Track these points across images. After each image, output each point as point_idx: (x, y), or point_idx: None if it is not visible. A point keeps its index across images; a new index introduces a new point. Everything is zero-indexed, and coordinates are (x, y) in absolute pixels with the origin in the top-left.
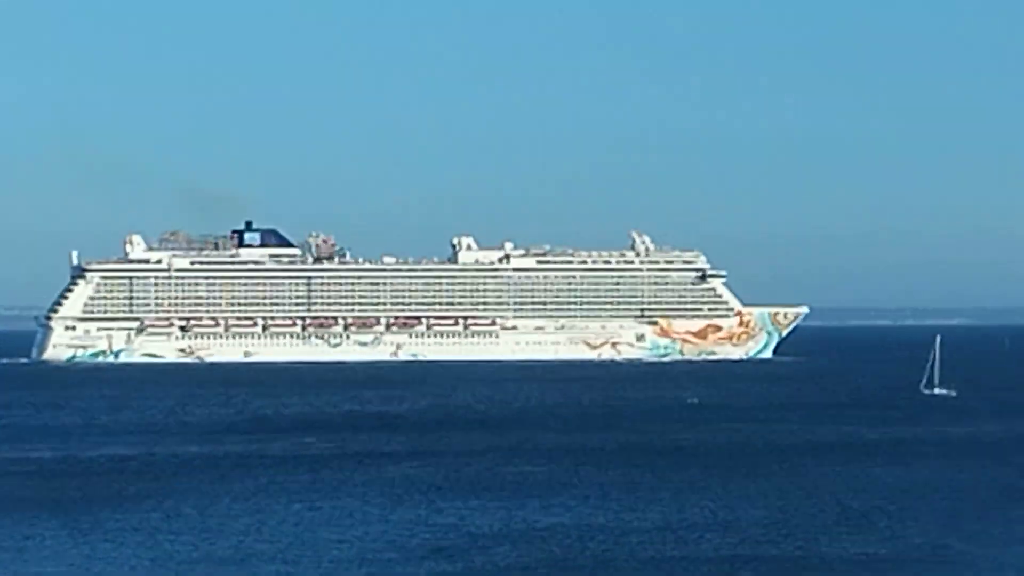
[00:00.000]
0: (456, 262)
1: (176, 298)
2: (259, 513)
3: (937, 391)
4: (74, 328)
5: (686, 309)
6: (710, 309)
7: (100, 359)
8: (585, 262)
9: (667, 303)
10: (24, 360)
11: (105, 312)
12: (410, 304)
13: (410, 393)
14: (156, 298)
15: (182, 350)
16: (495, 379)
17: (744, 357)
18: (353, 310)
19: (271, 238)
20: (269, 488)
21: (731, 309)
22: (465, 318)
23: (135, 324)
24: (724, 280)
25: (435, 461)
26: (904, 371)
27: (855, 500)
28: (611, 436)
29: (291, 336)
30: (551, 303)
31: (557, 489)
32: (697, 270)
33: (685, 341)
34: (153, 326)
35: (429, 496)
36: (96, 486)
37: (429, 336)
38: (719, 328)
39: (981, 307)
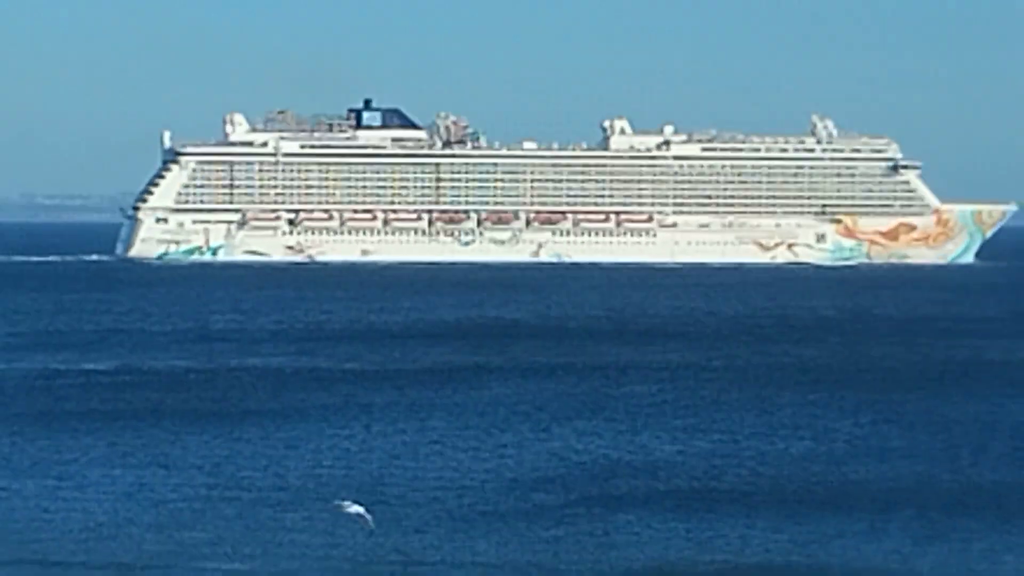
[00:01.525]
0: (608, 149)
1: (284, 187)
2: (338, 436)
3: None
4: (166, 220)
5: (875, 205)
6: (903, 205)
7: (195, 256)
8: (758, 150)
9: (852, 198)
10: (107, 257)
11: (202, 202)
12: (554, 197)
13: (545, 299)
14: (261, 187)
15: (290, 247)
16: (651, 284)
17: (942, 262)
18: (488, 203)
19: (393, 119)
20: (347, 407)
21: (927, 206)
22: (618, 214)
23: (236, 216)
24: (919, 172)
25: (546, 379)
26: None
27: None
28: (753, 352)
29: (416, 232)
30: (717, 197)
31: (678, 412)
32: (888, 160)
33: (873, 243)
34: (257, 219)
35: (535, 419)
36: (169, 400)
37: (576, 234)
38: (913, 228)
39: None
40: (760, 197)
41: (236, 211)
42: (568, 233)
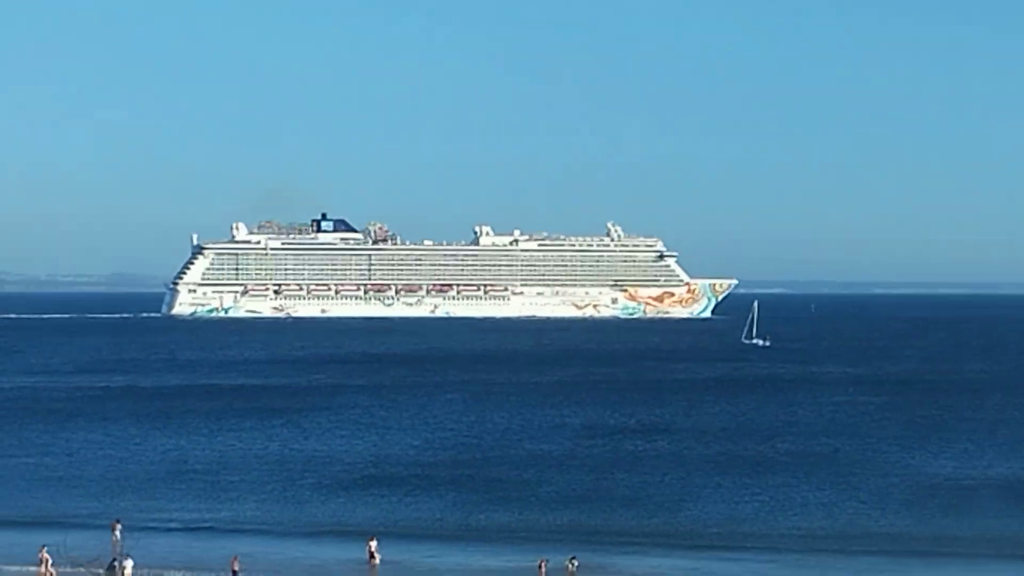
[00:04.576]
0: (478, 244)
1: (271, 269)
2: (291, 427)
3: (755, 341)
4: (195, 291)
5: (648, 280)
6: (666, 280)
7: (214, 314)
8: (574, 245)
9: (634, 276)
10: (155, 314)
11: (218, 279)
12: (444, 275)
13: (438, 340)
14: (256, 269)
15: (275, 308)
16: (503, 330)
17: (691, 315)
18: (402, 279)
19: (341, 225)
20: (293, 410)
21: (681, 280)
22: (485, 286)
23: (240, 288)
24: (676, 259)
25: (428, 392)
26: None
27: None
28: (559, 371)
29: (356, 298)
30: (548, 275)
31: (504, 408)
32: (656, 251)
33: (648, 304)
34: (254, 290)
35: (417, 415)
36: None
37: (458, 299)
38: (672, 294)
39: (793, 280)
40: (575, 275)
41: (240, 285)
42: (454, 298)
